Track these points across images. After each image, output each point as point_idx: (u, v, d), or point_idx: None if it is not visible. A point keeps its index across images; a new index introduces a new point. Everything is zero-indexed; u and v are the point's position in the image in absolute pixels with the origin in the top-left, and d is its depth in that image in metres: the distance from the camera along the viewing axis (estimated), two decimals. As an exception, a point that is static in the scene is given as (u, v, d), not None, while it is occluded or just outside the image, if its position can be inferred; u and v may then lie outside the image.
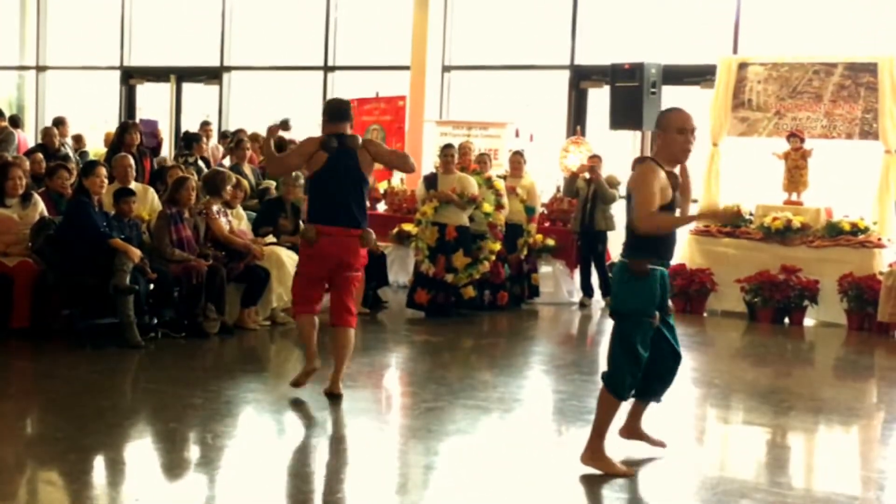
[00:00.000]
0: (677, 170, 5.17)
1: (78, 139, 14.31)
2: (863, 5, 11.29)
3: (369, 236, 6.26)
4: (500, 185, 9.93)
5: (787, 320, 9.91)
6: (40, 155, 10.53)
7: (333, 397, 6.26)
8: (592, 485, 4.95)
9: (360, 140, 6.34)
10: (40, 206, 8.12)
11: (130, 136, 10.36)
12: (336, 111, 6.35)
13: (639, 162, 5.16)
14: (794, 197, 10.48)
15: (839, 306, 9.71)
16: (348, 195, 6.20)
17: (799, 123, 10.79)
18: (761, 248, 10.23)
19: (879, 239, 9.99)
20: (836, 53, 10.81)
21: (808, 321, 9.95)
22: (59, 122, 12.92)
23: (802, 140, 10.38)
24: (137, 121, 12.75)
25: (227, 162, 10.97)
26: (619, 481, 4.99)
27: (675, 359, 5.28)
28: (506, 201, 9.88)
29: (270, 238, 9.00)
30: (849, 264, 9.70)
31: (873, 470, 5.52)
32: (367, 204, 6.46)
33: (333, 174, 6.17)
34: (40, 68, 16.98)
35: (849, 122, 10.65)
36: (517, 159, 10.50)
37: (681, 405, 6.33)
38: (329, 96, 14.31)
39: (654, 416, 6.33)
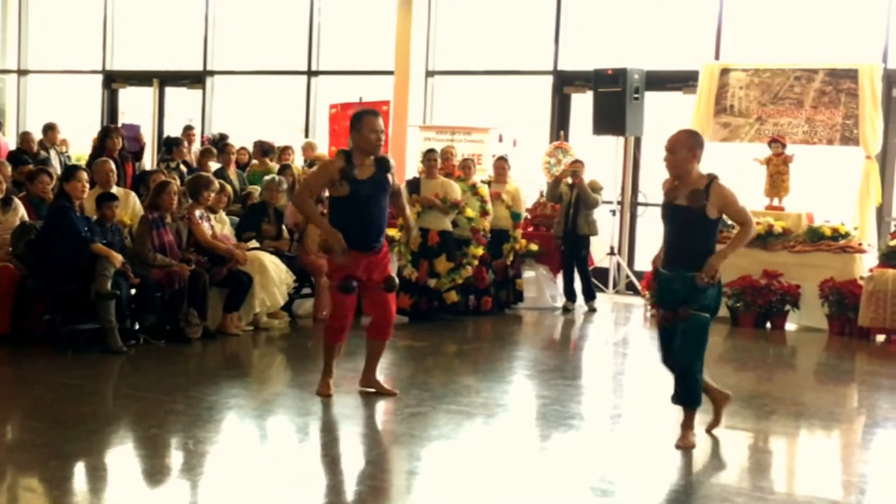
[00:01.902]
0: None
1: (60, 144, 14.22)
2: (844, 13, 11.37)
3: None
4: (485, 191, 9.94)
5: (768, 325, 9.96)
6: (29, 167, 10.45)
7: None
8: (575, 490, 4.96)
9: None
10: (21, 211, 8.07)
11: (113, 141, 10.32)
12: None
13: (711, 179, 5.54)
14: (775, 202, 10.54)
15: (820, 311, 9.76)
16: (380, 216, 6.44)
17: (780, 129, 10.85)
18: (743, 253, 10.11)
19: (860, 244, 10.05)
20: (817, 60, 10.90)
21: (790, 326, 10.00)
22: (48, 128, 12.85)
23: (784, 146, 10.44)
24: (120, 125, 12.71)
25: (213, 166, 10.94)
26: (601, 486, 5.00)
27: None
28: (490, 208, 9.89)
29: (253, 243, 8.98)
30: (830, 269, 9.76)
31: (854, 474, 5.55)
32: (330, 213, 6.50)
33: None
34: (22, 72, 16.89)
35: (829, 128, 10.73)
36: (501, 165, 10.52)
37: (663, 410, 6.34)
38: (312, 101, 14.31)
39: (635, 420, 6.35)
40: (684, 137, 5.65)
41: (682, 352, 5.57)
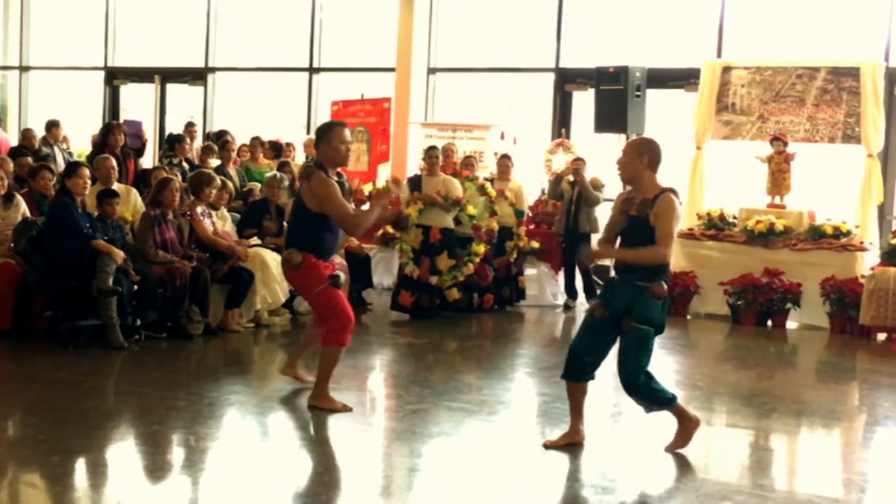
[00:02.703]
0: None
1: (62, 140, 14.22)
2: (845, 11, 11.37)
3: (287, 257, 6.12)
4: (493, 191, 9.94)
5: (769, 323, 9.96)
6: (28, 159, 10.46)
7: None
8: (575, 487, 4.97)
9: (309, 171, 6.27)
10: (22, 207, 8.07)
11: (115, 137, 10.32)
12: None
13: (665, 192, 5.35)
14: (777, 200, 10.54)
15: (821, 309, 9.77)
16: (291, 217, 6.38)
17: (782, 127, 10.85)
18: (744, 251, 10.28)
19: (861, 242, 10.05)
20: (819, 58, 10.89)
21: (791, 324, 10.00)
22: (52, 125, 12.86)
23: (785, 144, 10.44)
24: (122, 122, 12.71)
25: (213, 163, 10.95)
26: (602, 483, 5.00)
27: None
28: (497, 207, 9.89)
29: (255, 240, 8.98)
30: (831, 267, 9.76)
31: (855, 472, 5.55)
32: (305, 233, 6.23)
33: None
34: (23, 68, 16.90)
35: (831, 126, 10.73)
36: (505, 163, 10.52)
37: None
38: (314, 98, 14.31)
39: (636, 417, 6.35)
40: (635, 143, 5.57)
41: (621, 365, 5.41)
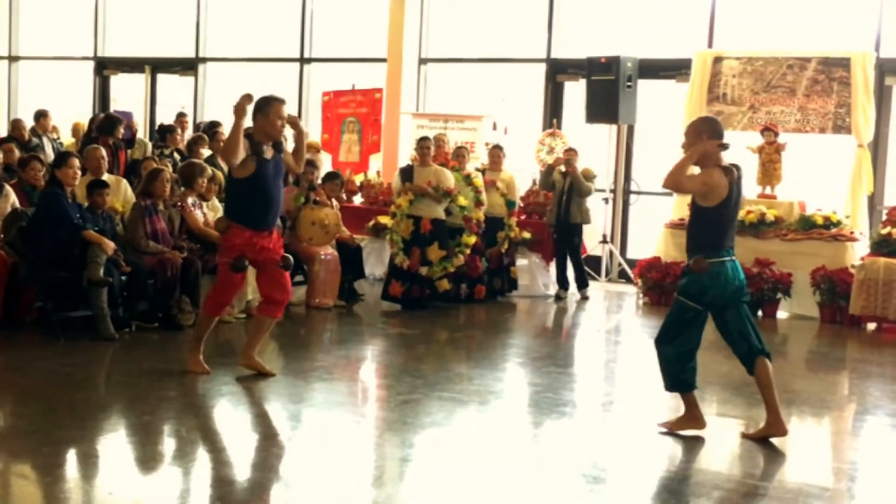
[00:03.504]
0: None
1: (52, 130, 14.17)
2: (836, 1, 11.37)
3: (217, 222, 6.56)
4: (480, 181, 9.93)
5: (760, 313, 9.98)
6: (12, 146, 10.43)
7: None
8: (566, 477, 4.98)
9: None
10: (12, 198, 8.04)
11: (116, 130, 10.32)
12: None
13: None
14: (767, 190, 10.55)
15: (812, 299, 9.80)
16: None
17: (773, 117, 10.86)
18: (735, 241, 10.25)
19: (852, 232, 10.07)
20: (809, 48, 10.90)
21: (781, 314, 10.03)
22: (40, 115, 12.80)
23: (776, 134, 10.45)
24: (112, 112, 12.66)
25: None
26: (593, 473, 5.01)
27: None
28: (484, 198, 9.88)
29: None
30: (821, 258, 9.79)
31: (845, 461, 5.58)
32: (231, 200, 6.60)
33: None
34: (12, 58, 16.80)
35: (822, 117, 10.74)
36: (496, 153, 10.51)
37: (654, 397, 6.37)
38: (305, 88, 14.28)
39: (627, 407, 6.37)
40: (695, 122, 5.72)
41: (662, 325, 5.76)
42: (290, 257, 6.63)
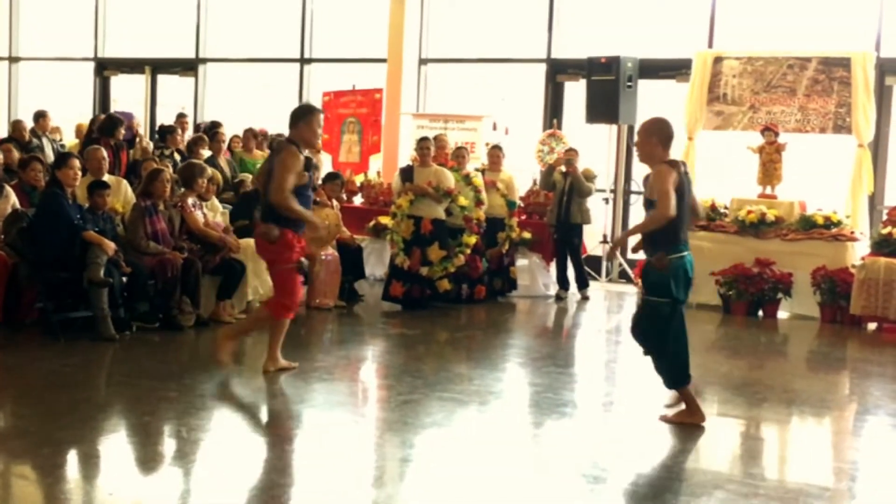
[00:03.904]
0: None
1: (53, 131, 14.18)
2: (837, 1, 11.37)
3: (265, 230, 6.50)
4: (479, 181, 9.92)
5: (760, 313, 9.99)
6: (11, 146, 10.44)
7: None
8: (567, 477, 4.98)
9: (280, 146, 6.61)
10: (12, 199, 8.04)
11: (119, 131, 10.33)
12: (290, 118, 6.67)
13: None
14: (768, 190, 10.55)
15: (812, 299, 9.79)
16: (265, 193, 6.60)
17: (773, 117, 10.86)
18: (736, 241, 10.29)
19: (852, 232, 10.07)
20: (810, 48, 10.90)
21: (782, 314, 10.02)
22: (39, 116, 12.82)
23: (777, 134, 10.45)
24: (113, 113, 12.66)
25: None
26: (593, 472, 5.01)
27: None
28: (484, 197, 9.88)
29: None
30: (822, 257, 9.78)
31: (845, 461, 5.57)
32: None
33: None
34: (13, 59, 16.81)
35: (822, 117, 10.74)
36: (496, 153, 10.51)
37: (655, 397, 6.37)
38: (305, 89, 14.28)
39: (627, 407, 6.37)
40: (646, 124, 5.85)
41: (643, 333, 5.81)
42: (305, 262, 6.70)
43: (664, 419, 5.89)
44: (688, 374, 5.82)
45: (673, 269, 5.66)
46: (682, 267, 5.71)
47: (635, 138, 5.82)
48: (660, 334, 5.76)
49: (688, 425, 5.80)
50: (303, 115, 6.55)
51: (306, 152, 6.56)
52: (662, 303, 5.70)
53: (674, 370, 5.80)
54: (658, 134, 5.72)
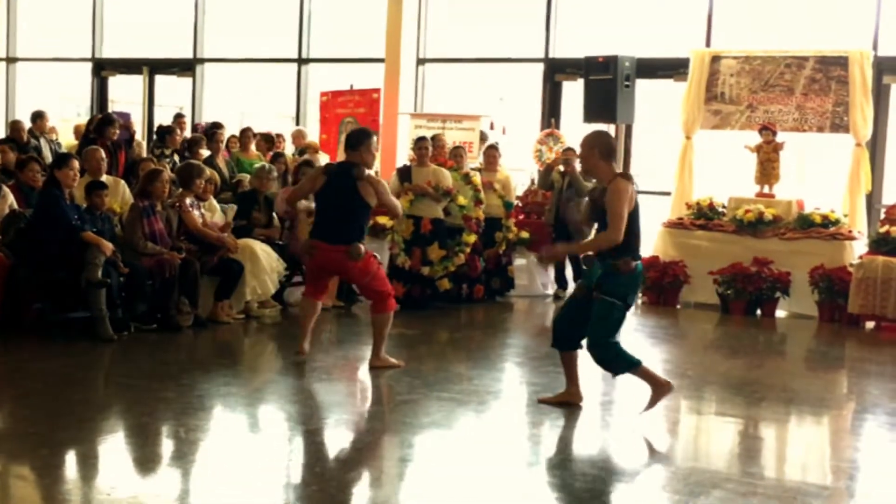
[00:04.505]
0: None
1: (50, 132, 14.16)
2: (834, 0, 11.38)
3: (353, 251, 6.76)
4: (478, 179, 9.93)
5: (759, 312, 9.99)
6: (6, 147, 10.42)
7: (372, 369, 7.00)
8: (565, 477, 4.98)
9: (364, 172, 6.87)
10: (10, 199, 8.03)
11: (111, 131, 10.31)
12: (348, 141, 7.07)
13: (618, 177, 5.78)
14: (765, 189, 10.56)
15: (810, 298, 9.80)
16: (338, 214, 6.86)
17: (771, 116, 10.87)
18: (734, 240, 10.30)
19: (850, 231, 10.08)
20: (807, 47, 10.91)
21: (780, 313, 10.03)
22: (37, 116, 12.81)
23: (774, 133, 10.45)
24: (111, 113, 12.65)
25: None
26: (591, 473, 5.01)
27: None
28: (483, 196, 9.88)
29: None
30: (820, 256, 9.79)
31: (843, 460, 5.58)
32: (364, 224, 7.04)
33: (327, 195, 6.92)
34: (10, 59, 16.79)
35: (820, 116, 10.75)
36: (492, 153, 10.51)
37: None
38: (303, 89, 14.28)
39: (625, 407, 6.37)
40: (587, 136, 5.99)
41: (588, 332, 5.88)
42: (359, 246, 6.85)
43: (542, 400, 6.14)
44: (631, 358, 5.90)
45: (634, 276, 5.82)
46: (639, 273, 5.90)
47: (578, 151, 5.98)
48: (606, 332, 5.83)
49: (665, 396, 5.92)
50: (362, 140, 6.91)
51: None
52: (618, 305, 5.81)
53: (615, 361, 5.90)
54: (600, 146, 5.83)
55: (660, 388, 5.92)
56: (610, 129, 11.55)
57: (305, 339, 7.14)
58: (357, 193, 6.80)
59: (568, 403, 6.08)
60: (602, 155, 5.79)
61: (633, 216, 5.76)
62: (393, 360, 7.08)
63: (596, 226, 5.97)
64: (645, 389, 6.51)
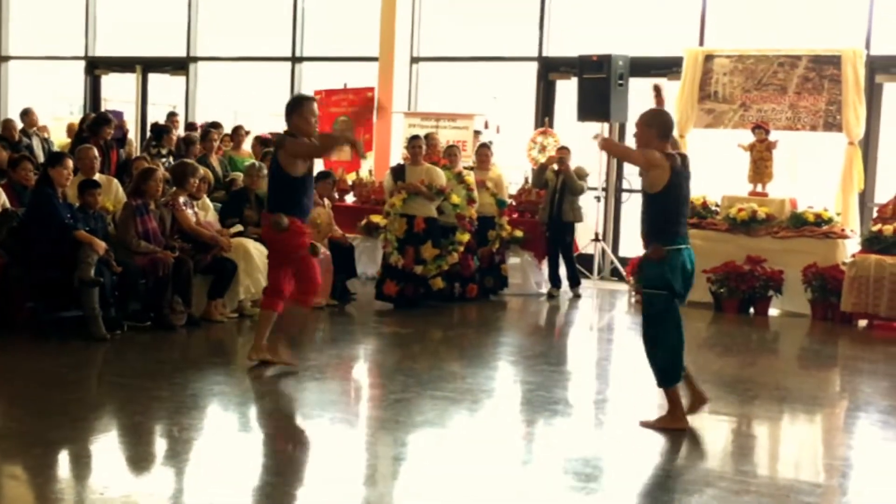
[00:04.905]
0: None
1: (42, 130, 14.13)
2: (827, -2, 11.41)
3: (274, 221, 6.63)
4: (471, 179, 9.93)
5: (752, 310, 10.01)
6: (2, 146, 10.40)
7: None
8: (559, 475, 4.98)
9: (284, 140, 6.69)
10: (2, 198, 8.02)
11: (105, 130, 10.29)
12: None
13: None
14: (759, 188, 10.57)
15: (803, 296, 9.82)
16: (269, 185, 6.87)
17: (764, 115, 10.88)
18: (727, 239, 10.32)
19: (843, 230, 10.10)
20: (800, 46, 10.93)
21: (773, 311, 10.05)
22: (24, 113, 12.78)
23: (767, 132, 10.47)
24: (105, 112, 12.63)
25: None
26: (585, 471, 5.01)
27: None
28: (476, 195, 9.89)
29: (237, 228, 8.94)
30: (813, 255, 9.81)
31: (836, 458, 5.59)
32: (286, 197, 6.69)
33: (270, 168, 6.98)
34: (3, 58, 16.74)
35: (813, 114, 10.77)
36: (484, 152, 10.52)
37: (647, 395, 6.38)
38: (297, 87, 14.26)
39: (620, 405, 6.37)
40: (645, 115, 5.83)
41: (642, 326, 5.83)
42: (318, 245, 6.90)
43: (644, 424, 5.77)
44: (678, 374, 5.75)
45: (669, 261, 5.63)
46: (678, 259, 5.67)
47: (634, 129, 5.84)
48: (652, 327, 5.72)
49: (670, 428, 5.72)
50: (296, 107, 6.66)
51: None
52: (657, 294, 5.66)
53: (662, 367, 5.74)
54: (658, 126, 5.70)
55: (675, 421, 5.72)
56: (603, 127, 11.57)
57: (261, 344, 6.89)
58: (278, 164, 6.64)
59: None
60: (658, 135, 5.67)
61: (663, 199, 5.61)
62: (267, 355, 6.80)
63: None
64: (640, 388, 6.53)
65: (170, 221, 8.35)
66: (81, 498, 4.49)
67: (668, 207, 5.64)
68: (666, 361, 5.72)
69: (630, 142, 12.02)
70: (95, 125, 10.44)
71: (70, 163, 7.85)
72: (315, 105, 6.79)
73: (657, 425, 5.72)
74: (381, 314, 9.33)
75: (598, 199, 11.68)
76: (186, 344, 7.83)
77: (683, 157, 5.79)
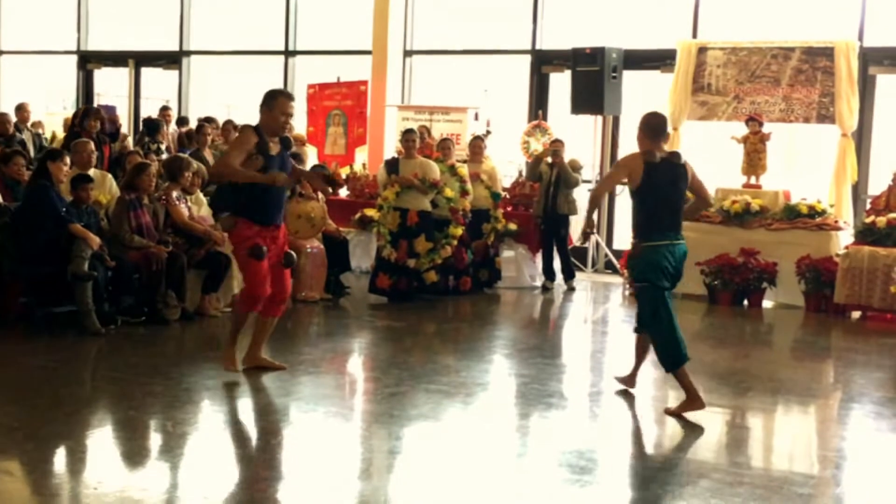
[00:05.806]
0: None
1: (35, 125, 14.09)
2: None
3: (220, 221, 6.64)
4: (465, 171, 9.92)
5: (745, 302, 10.02)
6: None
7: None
8: (553, 468, 4.99)
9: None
10: (-5, 193, 8.00)
11: (91, 122, 10.24)
12: None
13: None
14: (752, 180, 10.58)
15: (797, 288, 9.84)
16: None
17: (757, 107, 10.90)
18: (721, 231, 10.32)
19: (836, 221, 10.12)
20: (793, 38, 10.93)
21: (767, 303, 10.07)
22: (17, 108, 12.74)
23: (761, 124, 10.48)
24: (95, 106, 12.60)
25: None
26: (580, 463, 5.02)
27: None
28: (470, 188, 9.88)
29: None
30: (806, 247, 9.83)
31: (830, 449, 5.60)
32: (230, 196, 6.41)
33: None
34: (-5, 53, 16.71)
35: (806, 106, 10.78)
36: (478, 144, 10.51)
37: (641, 387, 6.39)
38: (290, 81, 14.24)
39: (614, 398, 6.38)
40: (643, 116, 6.05)
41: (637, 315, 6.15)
42: (293, 254, 6.59)
43: (668, 412, 5.87)
44: (679, 358, 5.89)
45: (645, 256, 5.88)
46: (655, 255, 5.88)
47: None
48: (646, 316, 5.97)
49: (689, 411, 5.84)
50: (266, 102, 6.27)
51: (275, 141, 6.28)
52: (643, 286, 5.93)
53: (664, 352, 5.91)
54: (642, 127, 5.96)
55: (692, 403, 5.83)
56: (597, 120, 11.58)
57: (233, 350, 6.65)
58: None
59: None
60: (645, 136, 5.92)
61: (641, 196, 5.87)
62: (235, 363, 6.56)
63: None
64: (635, 381, 6.53)
65: (163, 216, 8.34)
66: (75, 493, 4.48)
67: (646, 204, 5.87)
68: (663, 347, 5.90)
69: (625, 136, 12.11)
70: (82, 118, 10.41)
71: (68, 159, 7.83)
72: (291, 104, 6.31)
73: (679, 411, 5.85)
74: (374, 308, 9.33)
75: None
76: (180, 338, 7.83)
77: (670, 156, 5.96)
